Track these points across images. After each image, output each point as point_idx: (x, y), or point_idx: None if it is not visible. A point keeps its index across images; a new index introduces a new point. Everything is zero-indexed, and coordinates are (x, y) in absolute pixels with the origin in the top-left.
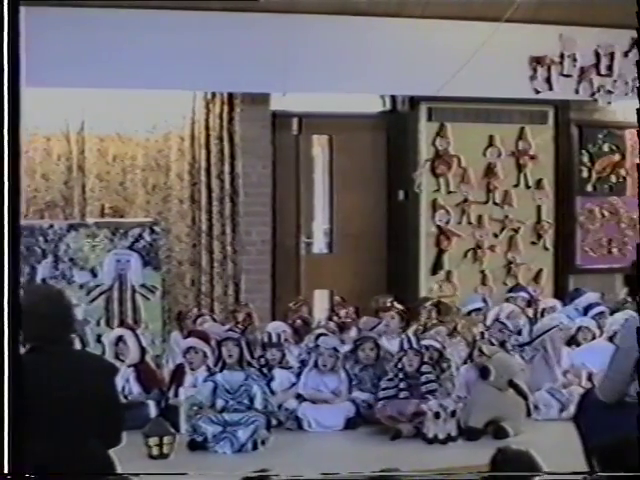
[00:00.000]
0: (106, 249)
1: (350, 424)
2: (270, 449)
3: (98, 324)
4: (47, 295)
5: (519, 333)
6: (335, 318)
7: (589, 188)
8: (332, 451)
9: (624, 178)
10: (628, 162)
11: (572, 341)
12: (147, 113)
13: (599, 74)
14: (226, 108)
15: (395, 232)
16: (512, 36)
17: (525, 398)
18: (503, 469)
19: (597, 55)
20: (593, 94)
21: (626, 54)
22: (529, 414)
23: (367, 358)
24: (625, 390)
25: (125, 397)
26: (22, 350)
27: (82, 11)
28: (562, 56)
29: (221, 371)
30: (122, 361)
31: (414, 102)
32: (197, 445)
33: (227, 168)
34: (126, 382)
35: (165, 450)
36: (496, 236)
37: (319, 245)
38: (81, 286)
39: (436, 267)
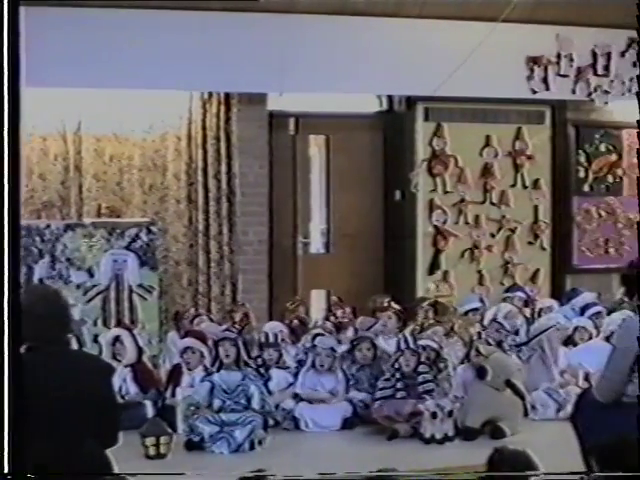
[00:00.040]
0: (103, 249)
1: (347, 424)
2: (267, 449)
3: (95, 324)
4: (44, 295)
5: (516, 333)
6: (332, 318)
7: (586, 188)
8: (329, 451)
9: (621, 178)
10: (625, 162)
11: (569, 341)
12: (144, 113)
13: (596, 74)
14: (223, 108)
15: (392, 232)
16: (509, 36)
17: (522, 398)
18: (500, 469)
19: (594, 55)
20: (590, 94)
21: (623, 54)
22: (526, 414)
23: (364, 358)
24: (622, 390)
25: (122, 397)
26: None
27: (81, 11)
28: (559, 56)
29: (218, 371)
30: (119, 361)
31: (411, 102)
32: (194, 445)
33: (224, 168)
34: (123, 382)
35: (162, 450)
36: (493, 236)
37: (316, 245)
38: (78, 286)
39: (433, 267)
